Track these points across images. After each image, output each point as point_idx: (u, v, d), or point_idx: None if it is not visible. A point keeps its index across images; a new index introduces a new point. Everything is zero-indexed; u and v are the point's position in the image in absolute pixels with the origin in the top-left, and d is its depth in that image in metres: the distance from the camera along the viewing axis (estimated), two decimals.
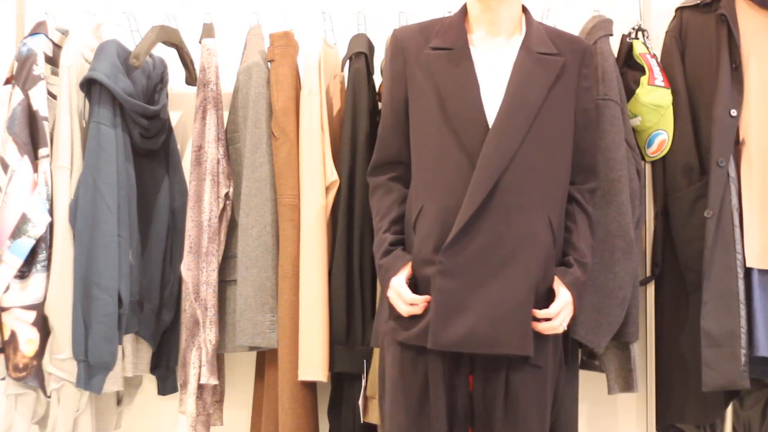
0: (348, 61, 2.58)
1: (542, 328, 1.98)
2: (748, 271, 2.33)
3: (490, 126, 1.98)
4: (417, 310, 1.99)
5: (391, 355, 2.06)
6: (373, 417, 2.45)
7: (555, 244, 2.03)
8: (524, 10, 2.13)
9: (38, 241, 2.44)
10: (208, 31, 2.66)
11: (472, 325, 1.94)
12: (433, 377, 2.00)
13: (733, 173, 2.35)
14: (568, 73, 2.08)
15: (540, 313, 1.97)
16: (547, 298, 2.01)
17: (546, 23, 2.55)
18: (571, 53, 2.10)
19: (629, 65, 2.53)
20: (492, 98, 2.01)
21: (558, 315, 1.99)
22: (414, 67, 2.09)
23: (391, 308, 2.04)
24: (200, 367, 2.52)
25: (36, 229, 2.43)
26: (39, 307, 2.45)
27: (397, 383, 2.04)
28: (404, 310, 2.01)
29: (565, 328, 2.02)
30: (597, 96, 2.38)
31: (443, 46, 2.07)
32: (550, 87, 2.03)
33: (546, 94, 2.02)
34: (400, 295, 2.01)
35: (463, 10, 2.14)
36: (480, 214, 1.96)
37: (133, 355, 2.63)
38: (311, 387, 2.53)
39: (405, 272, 2.03)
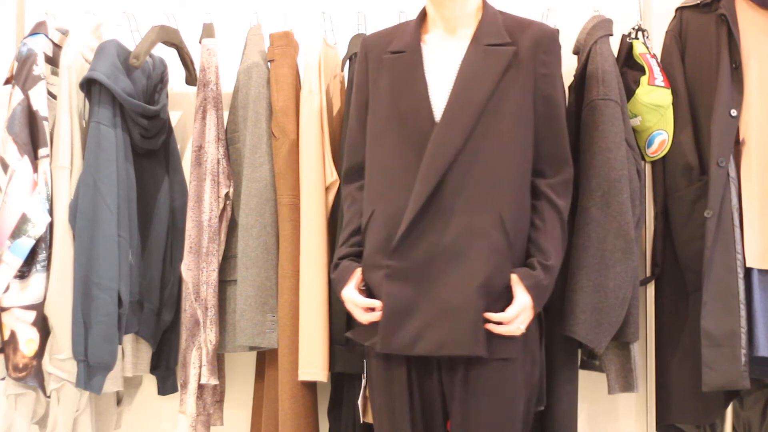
0: (348, 61, 2.58)
1: (498, 331, 1.95)
2: (748, 271, 2.33)
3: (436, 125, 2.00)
4: (376, 316, 2.00)
5: (370, 361, 2.11)
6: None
7: (508, 242, 1.98)
8: (483, 2, 2.12)
9: (38, 241, 2.44)
10: (208, 31, 2.67)
11: (420, 328, 1.95)
12: (398, 380, 2.01)
13: (733, 173, 2.35)
14: (523, 61, 2.03)
15: (493, 316, 1.94)
16: (506, 298, 1.99)
17: (545, 23, 2.56)
18: (527, 40, 2.04)
19: (629, 65, 2.53)
20: (441, 96, 2.01)
21: (514, 319, 1.96)
22: (375, 72, 2.12)
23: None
24: (200, 367, 2.52)
25: (36, 229, 2.43)
26: (39, 307, 2.45)
27: (375, 388, 2.08)
28: (363, 318, 2.03)
29: (523, 331, 1.98)
30: (597, 96, 2.38)
31: (398, 49, 2.09)
32: (498, 79, 2.00)
33: (494, 87, 1.99)
34: (354, 304, 2.03)
35: (423, 12, 2.16)
36: (425, 215, 1.96)
37: (133, 355, 2.63)
38: (311, 387, 2.53)
39: (353, 281, 2.05)
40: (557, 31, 2.16)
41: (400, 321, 1.96)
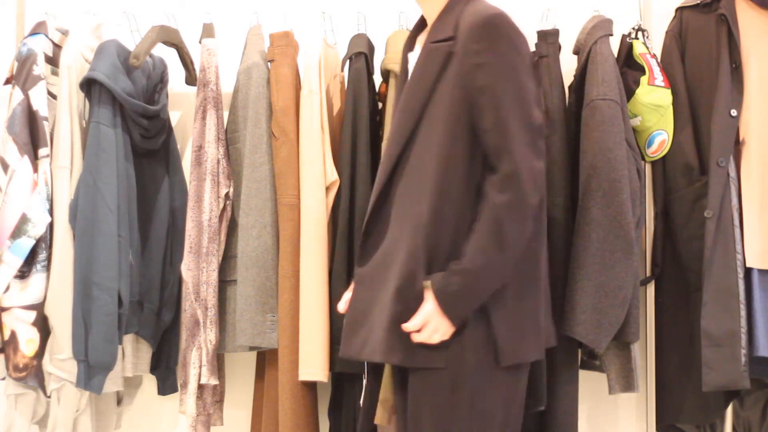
0: (348, 61, 2.58)
1: (416, 339, 1.88)
2: (748, 271, 2.33)
3: None
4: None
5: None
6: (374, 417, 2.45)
7: (427, 247, 1.87)
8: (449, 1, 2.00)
9: (38, 241, 2.44)
10: (208, 31, 2.66)
11: (359, 335, 1.98)
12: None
13: (733, 173, 2.35)
14: (458, 55, 1.89)
15: (405, 325, 1.87)
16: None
17: (545, 23, 2.56)
18: (465, 31, 1.89)
19: (629, 65, 2.53)
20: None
21: (423, 326, 1.85)
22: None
23: None
24: (200, 367, 2.52)
25: (36, 229, 2.43)
26: (39, 307, 2.45)
27: None
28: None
29: (439, 339, 1.86)
30: (597, 96, 2.37)
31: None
32: (436, 77, 1.91)
33: (432, 86, 1.91)
34: None
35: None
36: (373, 224, 2.00)
37: (133, 355, 2.63)
38: (311, 387, 2.53)
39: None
40: (499, 15, 1.88)
41: (351, 328, 2.02)
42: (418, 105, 1.93)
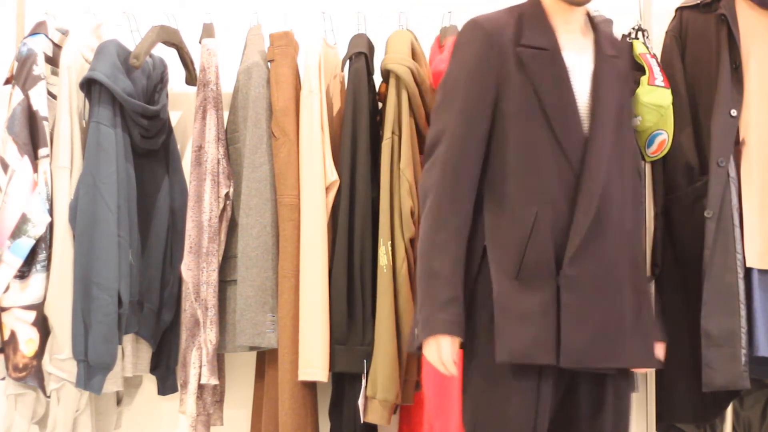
0: (348, 61, 2.58)
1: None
2: (748, 271, 2.33)
3: (585, 131, 1.96)
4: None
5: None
6: (374, 417, 2.45)
7: (635, 255, 2.04)
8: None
9: (38, 241, 2.44)
10: (208, 31, 2.66)
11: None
12: None
13: (733, 173, 2.35)
14: (626, 75, 2.10)
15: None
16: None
17: None
18: (624, 55, 2.11)
19: None
20: (580, 102, 1.98)
21: None
22: (508, 63, 1.97)
23: None
24: (200, 367, 2.52)
25: (36, 229, 2.43)
26: (39, 307, 2.45)
27: None
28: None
29: None
30: None
31: (536, 44, 1.98)
32: (621, 91, 2.04)
33: (619, 99, 2.03)
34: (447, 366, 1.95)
35: (538, 4, 2.04)
36: (591, 229, 1.92)
37: (133, 355, 2.63)
38: (311, 387, 2.53)
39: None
40: None
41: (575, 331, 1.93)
42: (614, 113, 2.00)
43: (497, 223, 1.96)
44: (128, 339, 2.60)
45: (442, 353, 1.91)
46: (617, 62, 2.05)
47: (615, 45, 2.09)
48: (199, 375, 2.52)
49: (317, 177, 2.51)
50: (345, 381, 2.53)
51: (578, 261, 1.91)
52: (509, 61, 1.97)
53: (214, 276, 2.54)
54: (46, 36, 2.57)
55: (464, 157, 1.97)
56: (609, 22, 2.53)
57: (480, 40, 1.99)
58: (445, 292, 1.91)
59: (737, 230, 2.33)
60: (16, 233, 2.41)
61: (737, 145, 2.38)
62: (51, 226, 2.47)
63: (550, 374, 1.91)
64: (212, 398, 2.60)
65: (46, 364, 2.46)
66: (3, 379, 2.49)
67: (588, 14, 2.09)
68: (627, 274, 1.97)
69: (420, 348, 1.95)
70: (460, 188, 1.96)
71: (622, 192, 1.99)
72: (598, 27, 2.08)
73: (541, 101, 1.95)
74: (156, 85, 2.72)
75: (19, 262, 2.41)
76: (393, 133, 2.49)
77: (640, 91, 2.45)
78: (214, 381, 2.52)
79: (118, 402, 2.73)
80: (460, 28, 2.63)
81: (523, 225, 1.92)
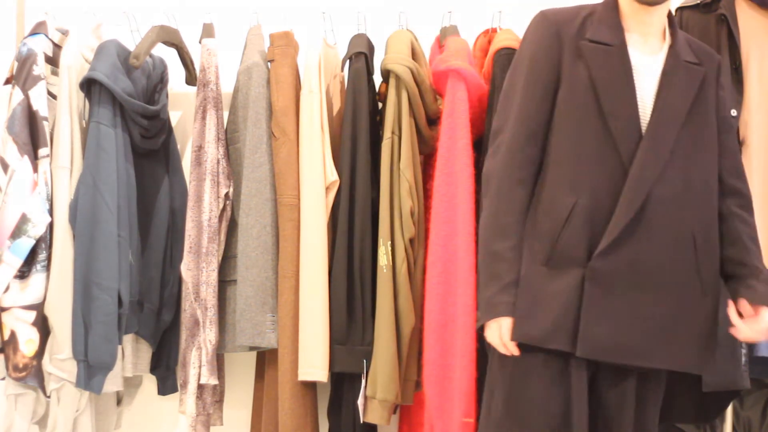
0: (348, 61, 2.58)
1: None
2: None
3: (642, 129, 1.97)
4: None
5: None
6: (373, 417, 2.45)
7: (697, 262, 2.00)
8: (668, 15, 2.11)
9: (38, 241, 2.44)
10: (208, 31, 2.66)
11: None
12: None
13: None
14: (709, 82, 2.08)
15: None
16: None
17: None
18: (709, 63, 2.09)
19: None
20: (643, 102, 2.00)
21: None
22: (570, 55, 2.02)
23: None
24: (200, 367, 2.52)
25: (36, 229, 2.43)
26: (39, 307, 2.45)
27: None
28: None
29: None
30: None
31: (601, 40, 2.02)
32: (695, 96, 2.03)
33: (691, 104, 2.02)
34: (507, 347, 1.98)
35: (614, 4, 2.08)
36: (631, 225, 1.94)
37: (133, 355, 2.63)
38: (311, 387, 2.53)
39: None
40: None
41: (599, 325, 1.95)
42: (681, 116, 2.00)
43: (535, 210, 2.01)
44: (128, 339, 2.60)
45: (504, 334, 1.95)
46: (696, 68, 2.05)
47: (698, 52, 2.10)
48: (199, 375, 2.52)
49: (317, 177, 2.51)
50: (345, 381, 2.53)
51: (610, 256, 1.93)
52: (571, 54, 2.01)
53: (214, 276, 2.54)
54: (46, 36, 2.57)
55: (528, 143, 2.02)
56: None
57: (544, 30, 2.06)
58: (508, 275, 1.96)
59: None
60: (16, 233, 2.41)
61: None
62: (51, 226, 2.46)
63: (581, 365, 1.94)
64: (212, 398, 2.60)
65: (46, 364, 2.46)
66: (3, 379, 2.49)
67: (670, 19, 2.09)
68: (675, 277, 1.96)
69: (482, 329, 2.00)
70: (523, 172, 2.01)
71: (685, 196, 1.99)
72: (677, 33, 2.09)
73: (598, 94, 1.98)
74: (156, 85, 2.72)
75: (19, 262, 2.41)
76: (393, 133, 2.49)
77: None
78: (214, 381, 2.52)
79: (118, 402, 2.73)
80: (459, 28, 2.67)
81: (560, 214, 1.96)
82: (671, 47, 2.06)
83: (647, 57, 2.03)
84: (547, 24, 2.06)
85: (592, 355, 1.92)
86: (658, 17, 2.05)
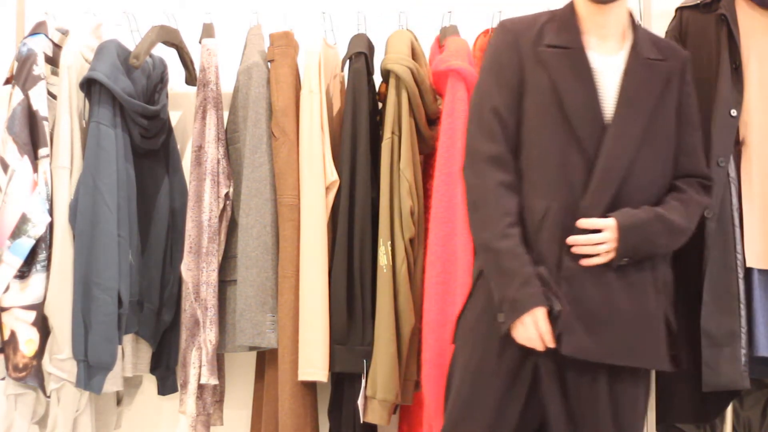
0: (348, 61, 2.58)
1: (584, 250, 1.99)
2: (748, 271, 2.33)
3: (606, 127, 1.99)
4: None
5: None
6: (373, 417, 2.45)
7: (653, 260, 2.03)
8: (630, 15, 2.13)
9: (38, 241, 2.44)
10: (208, 31, 2.67)
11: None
12: None
13: (733, 173, 2.35)
14: (672, 79, 2.09)
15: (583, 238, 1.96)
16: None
17: None
18: (674, 59, 2.11)
19: None
20: (606, 101, 2.01)
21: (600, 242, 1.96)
22: (530, 63, 2.05)
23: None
24: (200, 367, 2.52)
25: (36, 229, 2.43)
26: (39, 307, 2.45)
27: None
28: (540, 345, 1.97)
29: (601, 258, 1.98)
30: None
31: (559, 44, 2.05)
32: (660, 92, 2.05)
33: (657, 100, 2.04)
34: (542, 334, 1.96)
35: (571, 8, 2.11)
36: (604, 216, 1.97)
37: (133, 355, 2.63)
38: (311, 387, 2.53)
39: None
40: None
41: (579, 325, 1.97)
42: (646, 111, 2.02)
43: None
44: (128, 339, 2.60)
45: (540, 325, 1.94)
46: (661, 64, 2.07)
47: (663, 49, 2.11)
48: (199, 375, 2.52)
49: (317, 177, 2.51)
50: (345, 381, 2.53)
51: (580, 255, 1.96)
52: (531, 61, 2.04)
53: (214, 276, 2.54)
54: (46, 36, 2.57)
55: (504, 147, 2.05)
56: None
57: (502, 41, 2.09)
58: (525, 269, 1.96)
59: (737, 230, 2.33)
60: (16, 233, 2.41)
61: (737, 145, 2.38)
62: (51, 226, 2.46)
63: (538, 361, 1.97)
64: (212, 398, 2.60)
65: (46, 364, 2.46)
66: (3, 379, 2.49)
67: (631, 17, 2.12)
68: (635, 274, 1.99)
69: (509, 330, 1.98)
70: (506, 176, 2.03)
71: (651, 191, 2.03)
72: (639, 31, 2.11)
73: (560, 98, 2.00)
74: (156, 85, 2.72)
75: (19, 262, 2.41)
76: (393, 133, 2.49)
77: None
78: (214, 381, 2.52)
79: (118, 402, 2.73)
80: (459, 28, 2.66)
81: (534, 219, 1.99)
82: (633, 46, 2.07)
83: (607, 57, 2.05)
84: (505, 35, 2.10)
85: (574, 353, 1.94)
86: (615, 17, 2.06)
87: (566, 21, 2.08)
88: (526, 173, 2.03)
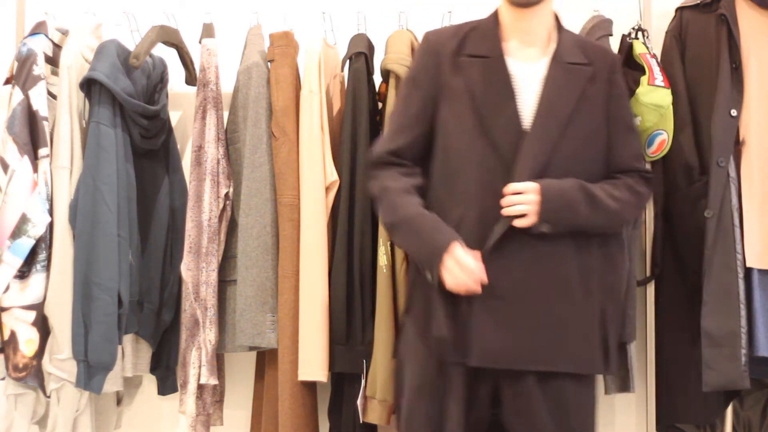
0: (348, 61, 2.58)
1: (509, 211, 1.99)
2: (748, 271, 2.33)
3: (524, 134, 1.99)
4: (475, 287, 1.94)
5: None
6: (373, 417, 2.45)
7: (581, 263, 2.01)
8: (556, 19, 2.13)
9: (38, 241, 2.44)
10: (208, 31, 2.67)
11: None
12: None
13: (733, 173, 2.35)
14: (598, 81, 2.08)
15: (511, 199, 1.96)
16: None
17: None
18: (600, 63, 2.11)
19: (629, 65, 2.53)
20: (525, 108, 2.01)
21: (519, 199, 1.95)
22: (448, 72, 2.07)
23: None
24: (200, 367, 2.52)
25: (36, 229, 2.43)
26: (39, 307, 2.45)
27: None
28: (469, 284, 1.94)
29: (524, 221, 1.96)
30: None
31: (478, 53, 2.07)
32: (579, 96, 2.04)
33: (575, 103, 2.03)
34: (467, 265, 1.93)
35: (495, 17, 2.12)
36: (514, 228, 1.95)
37: (133, 355, 2.63)
38: (311, 387, 2.53)
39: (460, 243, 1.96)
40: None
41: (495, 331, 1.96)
42: (565, 115, 2.02)
43: None
44: (128, 339, 2.60)
45: (463, 260, 1.93)
46: (583, 68, 2.07)
47: (589, 52, 2.11)
48: (199, 375, 2.52)
49: (317, 177, 2.51)
50: (344, 381, 2.53)
51: (494, 261, 1.95)
52: (450, 71, 2.06)
53: (214, 276, 2.54)
54: (46, 36, 2.58)
55: (398, 157, 2.11)
56: (609, 22, 2.53)
57: (423, 52, 2.14)
58: (432, 222, 1.99)
59: (737, 230, 2.33)
60: (16, 233, 2.42)
61: (737, 145, 2.38)
62: (51, 226, 2.47)
63: (468, 372, 1.98)
64: (212, 398, 2.60)
65: (46, 364, 2.46)
66: (3, 379, 2.49)
67: (557, 21, 2.12)
68: (560, 279, 1.98)
69: (441, 282, 1.97)
70: (405, 183, 2.07)
71: None
72: (564, 35, 2.11)
73: (477, 106, 2.01)
74: (156, 85, 2.72)
75: (19, 262, 2.41)
76: None
77: (639, 91, 2.45)
78: (214, 381, 2.52)
79: (118, 402, 2.73)
80: None
81: (450, 226, 1.99)
82: (555, 51, 2.08)
83: (528, 65, 2.06)
84: (426, 46, 2.14)
85: (485, 363, 1.94)
86: (538, 21, 2.07)
87: (488, 30, 2.10)
88: (440, 181, 2.05)
